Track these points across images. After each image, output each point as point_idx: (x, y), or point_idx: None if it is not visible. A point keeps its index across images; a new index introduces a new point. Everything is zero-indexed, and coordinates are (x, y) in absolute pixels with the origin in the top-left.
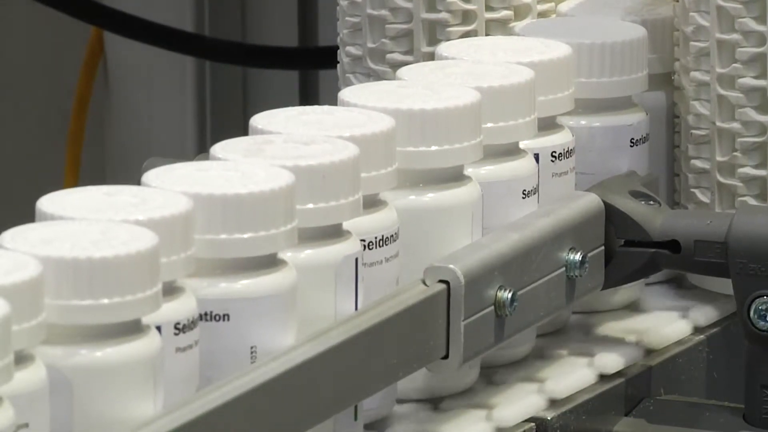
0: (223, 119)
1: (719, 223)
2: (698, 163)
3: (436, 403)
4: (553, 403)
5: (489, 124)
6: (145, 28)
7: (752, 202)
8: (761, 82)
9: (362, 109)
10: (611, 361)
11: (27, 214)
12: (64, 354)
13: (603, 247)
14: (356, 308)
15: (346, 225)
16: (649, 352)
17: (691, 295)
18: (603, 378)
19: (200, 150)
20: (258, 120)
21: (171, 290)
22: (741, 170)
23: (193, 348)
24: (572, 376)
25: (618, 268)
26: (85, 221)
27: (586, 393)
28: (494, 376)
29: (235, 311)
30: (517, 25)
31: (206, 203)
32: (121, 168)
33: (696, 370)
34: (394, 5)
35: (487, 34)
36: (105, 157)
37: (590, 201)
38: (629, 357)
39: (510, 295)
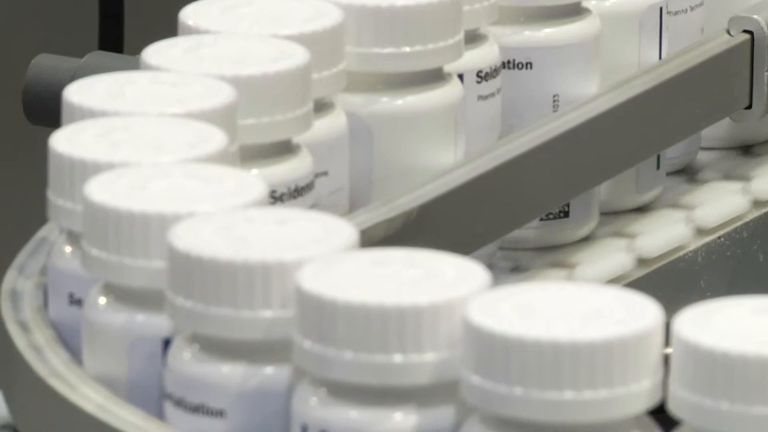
0: None
1: None
2: None
3: (744, 149)
4: None
5: None
6: None
7: None
8: None
9: None
10: None
11: None
12: (364, 102)
13: None
14: (660, 57)
15: None
16: None
17: None
18: None
19: None
20: None
21: (474, 38)
22: None
23: (495, 96)
24: None
25: None
26: None
27: None
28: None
29: (538, 59)
30: None
31: None
32: None
33: None
34: None
35: None
36: None
37: None
38: None
39: None
